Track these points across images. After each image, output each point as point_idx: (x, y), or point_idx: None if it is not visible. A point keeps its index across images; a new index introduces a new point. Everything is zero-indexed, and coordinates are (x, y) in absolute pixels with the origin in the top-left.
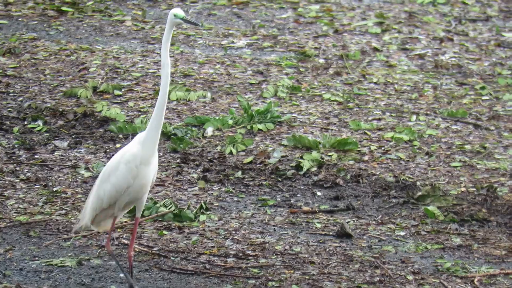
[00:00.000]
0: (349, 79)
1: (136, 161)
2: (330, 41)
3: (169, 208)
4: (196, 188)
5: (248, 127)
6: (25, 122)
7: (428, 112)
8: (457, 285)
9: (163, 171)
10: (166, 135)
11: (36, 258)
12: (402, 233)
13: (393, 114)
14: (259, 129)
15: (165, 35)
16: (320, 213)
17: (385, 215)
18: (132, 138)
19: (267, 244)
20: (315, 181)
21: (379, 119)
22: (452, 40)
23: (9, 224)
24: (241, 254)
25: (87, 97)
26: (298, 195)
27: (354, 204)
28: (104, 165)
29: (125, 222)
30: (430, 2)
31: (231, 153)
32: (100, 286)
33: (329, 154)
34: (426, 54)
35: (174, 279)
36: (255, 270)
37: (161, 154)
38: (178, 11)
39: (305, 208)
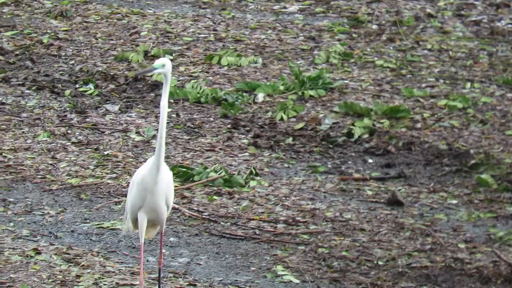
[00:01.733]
0: (402, 45)
1: (144, 184)
2: (383, 6)
3: (219, 174)
4: (247, 153)
5: (299, 93)
6: (77, 86)
7: (483, 80)
8: (509, 254)
9: (214, 137)
10: (217, 101)
11: (87, 221)
12: (454, 202)
13: (447, 81)
14: (310, 96)
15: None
16: (371, 181)
17: (437, 183)
18: (183, 103)
19: (317, 210)
20: (367, 148)
21: (433, 86)
22: (508, 6)
23: (60, 187)
24: (291, 220)
25: (138, 61)
26: (349, 162)
27: (405, 172)
28: (155, 130)
29: (176, 186)
30: None
31: (281, 119)
32: (150, 249)
33: (381, 121)
34: (482, 21)
35: (224, 244)
36: (305, 236)
37: (211, 119)
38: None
39: (356, 175)
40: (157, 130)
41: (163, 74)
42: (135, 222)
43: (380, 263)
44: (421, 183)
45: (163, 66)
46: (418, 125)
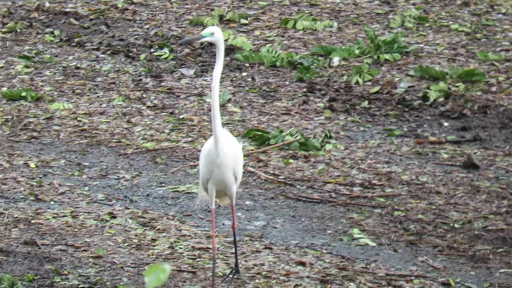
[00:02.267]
0: (477, 9)
1: (209, 157)
2: None
3: (295, 137)
4: (322, 117)
5: (375, 57)
6: (152, 50)
7: None
8: None
9: (289, 100)
10: (292, 65)
11: (163, 185)
12: None
13: None
14: (385, 59)
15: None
16: (447, 144)
17: None
18: (259, 67)
19: (393, 173)
20: (442, 111)
21: (507, 50)
22: None
23: (136, 151)
24: (367, 184)
25: (213, 25)
26: (425, 125)
27: (481, 135)
28: (231, 94)
29: (252, 150)
30: None
31: (357, 82)
32: (226, 213)
33: (456, 84)
34: None
35: (300, 207)
36: (381, 199)
37: (287, 83)
38: None
39: (432, 138)
40: (233, 94)
41: (215, 43)
42: (206, 191)
43: (456, 226)
44: (496, 146)
45: (212, 34)
46: (493, 89)
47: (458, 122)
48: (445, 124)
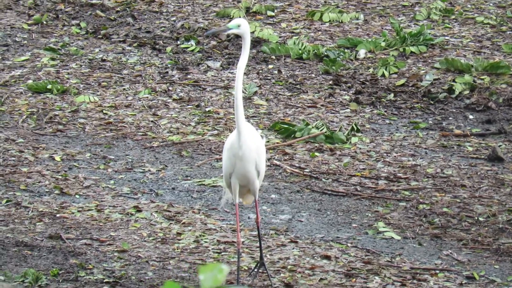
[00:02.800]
0: (502, 2)
1: (232, 150)
2: None
3: (320, 130)
4: (348, 110)
5: (401, 49)
6: (178, 42)
7: None
8: None
9: (315, 93)
10: (318, 57)
11: (188, 178)
12: None
13: None
14: (411, 52)
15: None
16: (472, 136)
17: None
18: (285, 59)
19: (418, 167)
20: (467, 104)
21: None
22: None
23: (161, 144)
24: (392, 177)
25: (239, 17)
26: (450, 118)
27: (506, 128)
28: (257, 87)
29: (277, 143)
30: None
31: (383, 75)
32: (251, 206)
33: (482, 77)
34: None
35: (325, 200)
36: (406, 192)
37: (313, 75)
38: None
39: (457, 131)
40: (259, 86)
41: (241, 35)
42: (230, 187)
43: (480, 219)
44: None
45: (238, 26)
46: None
47: (483, 115)
48: (470, 117)
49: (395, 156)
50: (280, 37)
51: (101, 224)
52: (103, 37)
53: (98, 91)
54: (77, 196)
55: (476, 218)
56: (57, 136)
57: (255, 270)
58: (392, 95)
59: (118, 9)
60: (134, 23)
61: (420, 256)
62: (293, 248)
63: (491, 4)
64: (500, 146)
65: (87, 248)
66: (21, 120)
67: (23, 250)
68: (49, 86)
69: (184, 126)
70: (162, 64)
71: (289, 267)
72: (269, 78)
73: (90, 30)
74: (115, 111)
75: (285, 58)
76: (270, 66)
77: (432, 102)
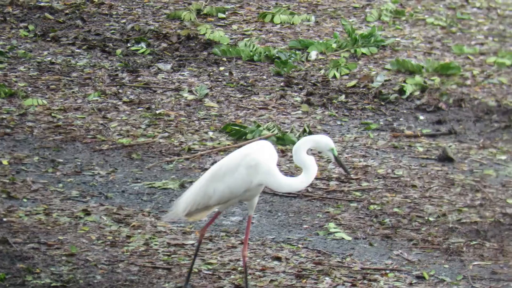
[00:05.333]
0: (452, 3)
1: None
2: None
3: (272, 132)
4: (300, 111)
5: (352, 51)
6: (128, 44)
7: None
8: None
9: (267, 95)
10: (269, 59)
11: (139, 181)
12: (504, 157)
13: (495, 39)
14: (362, 53)
15: (302, 148)
16: (423, 137)
17: (487, 139)
18: (236, 61)
19: (369, 167)
20: (418, 105)
21: (482, 44)
22: None
23: (111, 147)
24: (343, 178)
25: (190, 19)
26: (401, 119)
27: (456, 128)
28: (208, 89)
29: (228, 145)
30: None
31: (334, 76)
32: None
33: (432, 78)
34: None
35: (276, 201)
36: (357, 193)
37: (264, 77)
38: (333, 145)
39: (408, 132)
40: (210, 88)
41: None
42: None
43: (431, 219)
44: (471, 139)
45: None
46: (468, 82)
47: (433, 116)
48: (421, 117)
49: (346, 157)
50: (231, 39)
51: (49, 227)
52: (52, 40)
53: (46, 94)
54: (24, 200)
55: (427, 218)
56: (4, 140)
57: None
58: (343, 96)
59: (67, 11)
60: (83, 26)
61: (370, 256)
62: None
63: (441, 6)
64: (450, 146)
65: (35, 252)
66: None
67: None
68: None
69: (134, 128)
70: (112, 66)
71: (239, 269)
72: (220, 80)
73: (38, 33)
74: (64, 114)
75: (236, 60)
76: (221, 68)
77: (383, 103)
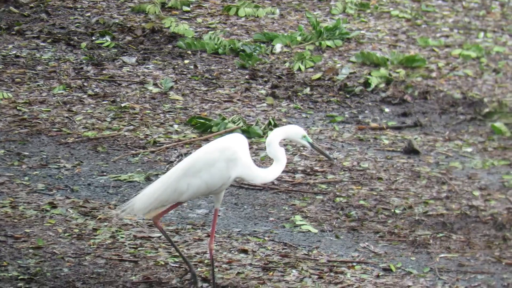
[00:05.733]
0: None
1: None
2: None
3: (237, 124)
4: (265, 104)
5: (317, 43)
6: (93, 38)
7: (496, 29)
8: None
9: (232, 87)
10: (234, 52)
11: (104, 174)
12: (469, 149)
13: (460, 31)
14: (327, 46)
15: (275, 140)
16: (388, 130)
17: (452, 132)
18: (201, 54)
19: (335, 160)
20: (383, 97)
21: (447, 36)
22: None
23: (77, 140)
24: (309, 170)
25: (155, 13)
26: (366, 111)
27: (421, 121)
28: (173, 82)
29: (194, 138)
30: None
31: (299, 69)
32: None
33: (397, 70)
34: None
35: (242, 194)
36: (323, 186)
37: (229, 70)
38: (304, 132)
39: (373, 125)
40: (175, 81)
41: None
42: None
43: (397, 211)
44: (436, 131)
45: None
46: (433, 75)
47: (398, 108)
48: (386, 110)
49: (311, 150)
50: (196, 32)
51: (15, 220)
52: (16, 33)
53: (11, 88)
54: None
55: (393, 210)
56: None
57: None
58: (308, 89)
59: (32, 5)
60: (48, 19)
61: (337, 248)
62: None
63: None
64: (416, 139)
65: (1, 245)
66: None
67: None
68: None
69: (99, 121)
70: (76, 60)
71: (206, 261)
72: (185, 73)
73: (3, 27)
74: (29, 107)
75: (201, 53)
76: (186, 61)
77: (348, 95)
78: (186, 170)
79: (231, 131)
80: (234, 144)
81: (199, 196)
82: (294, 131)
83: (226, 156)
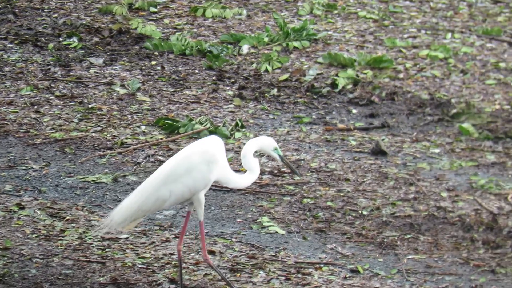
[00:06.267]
0: None
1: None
2: None
3: (204, 125)
4: (232, 105)
5: (284, 44)
6: (60, 39)
7: (463, 30)
8: (490, 201)
9: (199, 88)
10: (201, 53)
11: (72, 175)
12: (437, 151)
13: (428, 32)
14: (294, 47)
15: (249, 152)
16: (355, 131)
17: (420, 133)
18: (168, 55)
19: (302, 161)
20: (351, 98)
21: (414, 37)
22: None
23: (44, 141)
24: (276, 171)
25: (122, 14)
26: (334, 112)
27: (389, 122)
28: (140, 83)
29: (161, 139)
30: None
31: (266, 70)
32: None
33: (365, 71)
34: None
35: (209, 195)
36: (290, 187)
37: (196, 71)
38: (276, 144)
39: (340, 126)
40: (142, 83)
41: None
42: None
43: (364, 212)
44: (404, 132)
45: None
46: (401, 75)
47: (366, 109)
48: (354, 111)
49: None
50: (163, 33)
51: None
52: None
53: None
54: None
55: (360, 211)
56: None
57: None
58: (275, 90)
59: None
60: (15, 20)
61: (304, 250)
62: None
63: None
64: (383, 139)
65: None
66: None
67: None
68: None
69: (67, 123)
70: (44, 61)
71: (173, 262)
72: (152, 74)
73: None
74: None
75: (168, 54)
76: (153, 62)
77: (315, 96)
78: (166, 178)
79: (199, 132)
80: (213, 147)
81: (182, 202)
82: (267, 143)
83: (206, 158)
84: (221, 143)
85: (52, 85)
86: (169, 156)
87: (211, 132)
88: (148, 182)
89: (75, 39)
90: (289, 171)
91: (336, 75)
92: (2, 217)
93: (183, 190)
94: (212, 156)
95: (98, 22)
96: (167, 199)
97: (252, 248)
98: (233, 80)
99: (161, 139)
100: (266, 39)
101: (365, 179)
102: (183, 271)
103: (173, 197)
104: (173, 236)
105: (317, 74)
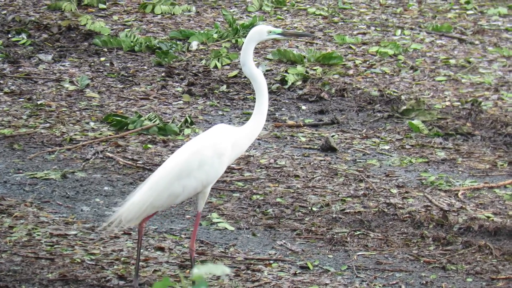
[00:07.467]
0: None
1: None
2: None
3: (153, 122)
4: (181, 101)
5: (233, 41)
6: (9, 35)
7: (413, 27)
8: (441, 198)
9: (148, 85)
10: (150, 49)
11: (20, 171)
12: (387, 147)
13: (378, 29)
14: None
15: (247, 57)
16: (305, 127)
17: (370, 129)
18: (117, 51)
19: (251, 157)
20: (300, 95)
21: (364, 33)
22: None
23: None
24: (227, 168)
25: (71, 10)
26: (283, 109)
27: (338, 118)
28: (89, 80)
29: (110, 135)
30: None
31: (216, 67)
32: (84, 199)
33: (314, 68)
34: None
35: None
36: (240, 183)
37: (145, 67)
38: (267, 28)
39: (290, 122)
40: (91, 79)
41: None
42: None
43: (314, 209)
44: (353, 129)
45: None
46: (350, 72)
47: (316, 106)
48: (303, 107)
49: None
50: (112, 29)
51: None
52: None
53: None
54: None
55: (310, 208)
56: None
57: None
58: (224, 86)
59: None
60: None
61: (254, 246)
62: (127, 240)
63: None
64: (333, 136)
65: None
66: None
67: None
68: None
69: (15, 119)
70: None
71: (122, 259)
72: (101, 70)
73: None
74: None
75: (117, 50)
76: (102, 59)
77: None
78: (179, 173)
79: (148, 129)
80: (223, 138)
81: (193, 196)
82: (257, 35)
83: (218, 151)
84: (229, 129)
85: (1, 81)
86: (118, 152)
87: (160, 129)
88: (157, 178)
89: (24, 35)
90: (300, 38)
91: (286, 71)
92: None
93: (196, 185)
94: (224, 149)
95: (47, 18)
96: (180, 194)
97: (202, 245)
98: (182, 77)
99: (110, 135)
100: (215, 36)
101: (314, 176)
102: (133, 267)
103: (186, 192)
104: (122, 232)
105: (267, 71)
